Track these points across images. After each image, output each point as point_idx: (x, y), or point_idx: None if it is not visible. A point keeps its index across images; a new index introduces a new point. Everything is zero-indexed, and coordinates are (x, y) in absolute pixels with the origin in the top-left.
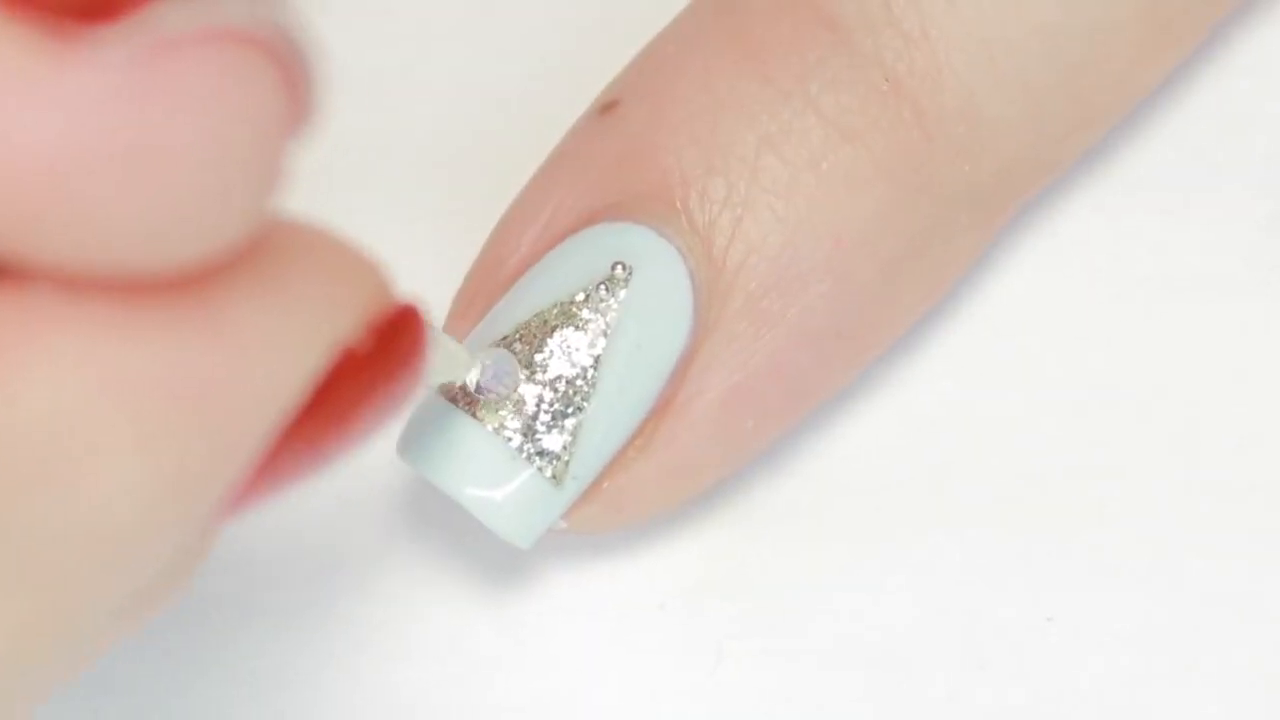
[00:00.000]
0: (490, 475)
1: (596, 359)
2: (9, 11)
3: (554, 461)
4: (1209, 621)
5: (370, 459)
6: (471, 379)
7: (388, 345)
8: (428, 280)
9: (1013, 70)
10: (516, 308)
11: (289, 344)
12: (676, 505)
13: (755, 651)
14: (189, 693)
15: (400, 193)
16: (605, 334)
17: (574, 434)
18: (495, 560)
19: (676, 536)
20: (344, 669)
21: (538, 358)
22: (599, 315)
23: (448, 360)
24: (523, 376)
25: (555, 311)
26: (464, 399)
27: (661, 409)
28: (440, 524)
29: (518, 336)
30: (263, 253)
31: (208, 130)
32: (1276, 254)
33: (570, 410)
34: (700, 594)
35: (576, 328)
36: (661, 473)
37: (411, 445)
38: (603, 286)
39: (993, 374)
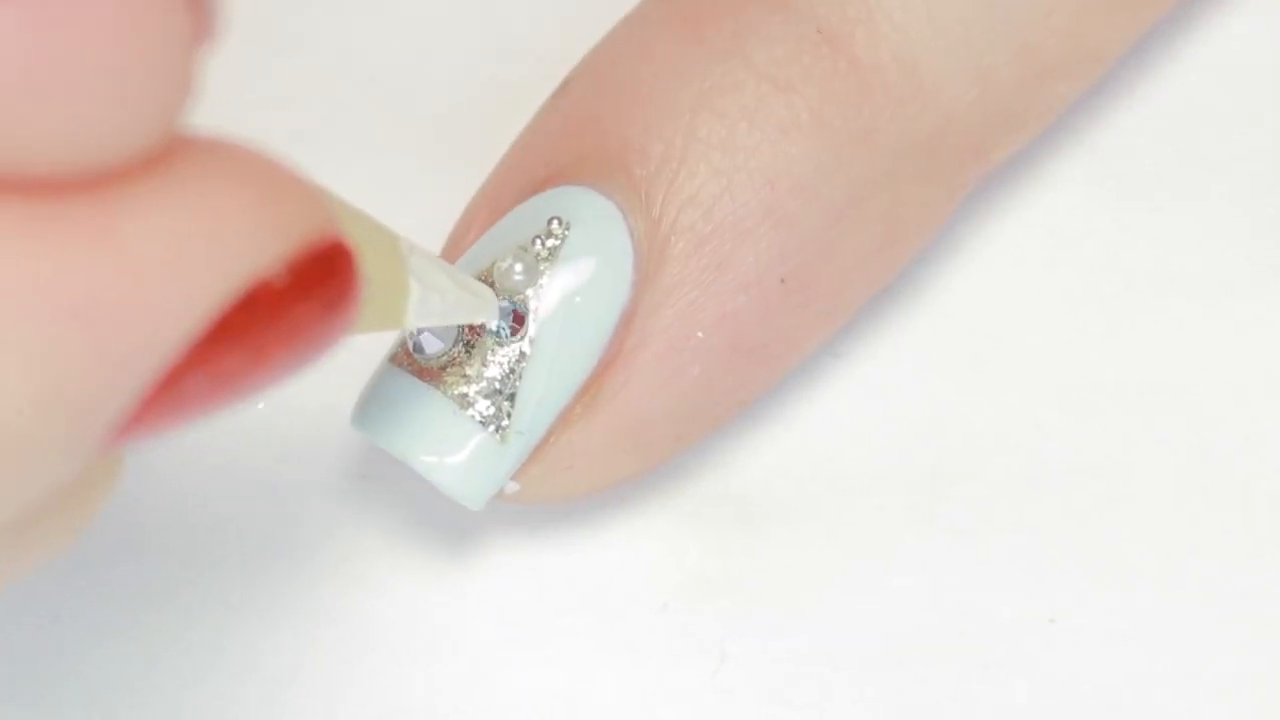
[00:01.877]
0: (436, 435)
1: (535, 311)
2: None
3: (496, 416)
4: (1210, 622)
5: (370, 462)
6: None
7: (312, 283)
8: None
9: (951, 19)
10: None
11: (192, 266)
12: (633, 467)
13: (757, 653)
14: (184, 690)
15: (390, 188)
16: (542, 286)
17: (515, 387)
18: (496, 560)
19: (678, 537)
20: (340, 669)
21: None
22: (535, 269)
23: (465, 299)
24: (461, 337)
25: (493, 268)
26: (408, 362)
27: (606, 364)
28: (440, 525)
29: None
30: (180, 173)
31: (108, 47)
32: (1277, 253)
33: (510, 364)
34: (702, 595)
35: (515, 281)
36: (609, 427)
37: (363, 414)
38: (538, 240)
39: (993, 373)
